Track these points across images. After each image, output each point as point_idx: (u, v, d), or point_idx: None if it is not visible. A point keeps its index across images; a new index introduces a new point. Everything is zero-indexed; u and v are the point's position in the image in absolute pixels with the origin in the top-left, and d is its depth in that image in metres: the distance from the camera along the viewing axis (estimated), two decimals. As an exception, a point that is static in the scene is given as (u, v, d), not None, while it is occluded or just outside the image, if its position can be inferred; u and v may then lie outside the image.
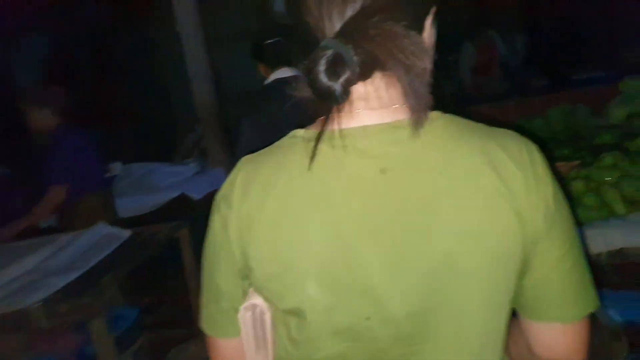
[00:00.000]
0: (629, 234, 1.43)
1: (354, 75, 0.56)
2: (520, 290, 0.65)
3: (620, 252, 1.42)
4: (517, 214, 0.60)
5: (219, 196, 0.67)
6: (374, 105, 0.62)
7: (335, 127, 0.60)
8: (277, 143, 0.67)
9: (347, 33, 0.56)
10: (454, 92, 4.29)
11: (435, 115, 0.63)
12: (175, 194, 3.36)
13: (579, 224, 1.37)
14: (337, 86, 0.56)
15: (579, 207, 1.54)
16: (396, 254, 0.60)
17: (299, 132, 0.65)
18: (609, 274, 1.42)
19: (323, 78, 0.55)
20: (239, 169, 0.67)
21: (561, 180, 0.66)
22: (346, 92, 0.57)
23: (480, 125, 0.65)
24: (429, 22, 0.64)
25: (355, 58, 0.55)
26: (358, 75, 0.56)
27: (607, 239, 1.42)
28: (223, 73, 4.13)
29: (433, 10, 0.64)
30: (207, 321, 0.72)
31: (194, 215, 2.62)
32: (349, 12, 0.59)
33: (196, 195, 3.36)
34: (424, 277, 0.60)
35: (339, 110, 0.59)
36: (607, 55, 4.37)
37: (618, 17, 4.45)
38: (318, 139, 0.60)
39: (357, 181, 0.60)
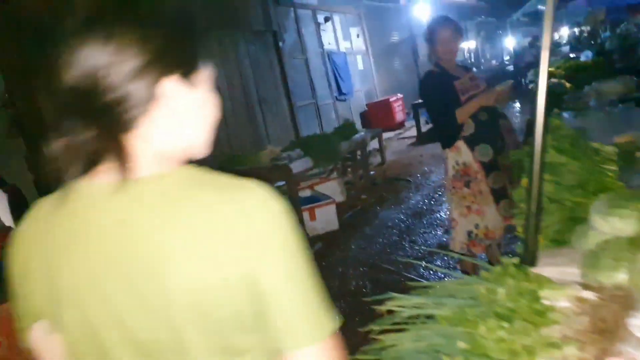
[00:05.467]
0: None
1: (77, 142, 0.65)
2: (263, 321, 0.70)
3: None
4: (232, 259, 0.65)
5: (14, 231, 0.76)
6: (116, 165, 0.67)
7: (90, 181, 0.69)
8: (61, 189, 0.71)
9: (67, 103, 0.65)
10: None
11: (174, 171, 0.70)
12: None
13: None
14: (56, 150, 0.66)
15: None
16: (134, 290, 0.67)
17: (72, 183, 0.69)
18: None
19: (48, 146, 0.65)
20: (29, 212, 0.76)
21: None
22: (70, 157, 0.67)
23: (216, 179, 0.70)
24: (168, 87, 0.67)
25: (75, 127, 0.65)
26: (89, 141, 0.65)
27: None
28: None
29: (174, 73, 0.67)
30: (20, 336, 0.79)
31: None
32: (72, 75, 0.64)
33: None
34: (157, 308, 0.67)
35: (91, 165, 0.68)
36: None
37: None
38: (69, 193, 0.69)
39: (102, 229, 0.68)
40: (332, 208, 4.49)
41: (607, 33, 12.05)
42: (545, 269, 1.27)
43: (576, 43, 12.41)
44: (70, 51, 0.64)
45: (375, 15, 10.72)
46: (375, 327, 1.08)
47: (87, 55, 0.63)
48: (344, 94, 9.25)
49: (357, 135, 5.77)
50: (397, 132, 9.89)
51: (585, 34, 13.35)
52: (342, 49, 9.66)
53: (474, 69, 2.83)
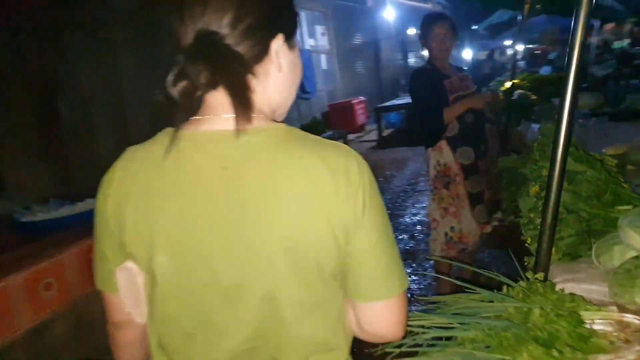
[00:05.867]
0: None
1: (193, 86, 0.69)
2: (343, 274, 0.77)
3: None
4: (324, 213, 0.71)
5: (104, 177, 0.79)
6: (222, 113, 0.73)
7: (194, 127, 0.74)
8: (155, 136, 0.77)
9: (193, 51, 0.69)
10: None
11: (273, 125, 0.75)
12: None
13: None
14: (175, 92, 0.68)
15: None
16: (230, 234, 0.72)
17: (170, 129, 0.74)
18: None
19: (168, 86, 0.69)
20: (122, 156, 0.79)
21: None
22: (186, 97, 0.69)
23: (311, 137, 0.76)
24: (277, 43, 0.75)
25: (195, 73, 0.68)
26: (200, 87, 0.69)
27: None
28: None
29: (280, 33, 0.76)
30: (98, 279, 0.84)
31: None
32: (197, 28, 0.71)
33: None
34: (249, 253, 0.72)
35: (192, 115, 0.75)
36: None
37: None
38: (172, 137, 0.72)
39: (203, 175, 0.72)
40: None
41: (557, 54, 12.57)
42: (565, 285, 1.16)
43: (532, 59, 12.84)
44: (198, 8, 0.71)
45: (342, 15, 10.63)
46: (391, 350, 0.92)
47: (213, 12, 0.70)
48: (307, 93, 9.08)
49: (324, 135, 5.62)
50: (358, 134, 9.84)
51: (539, 51, 13.87)
52: (307, 46, 9.51)
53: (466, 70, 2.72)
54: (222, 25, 0.70)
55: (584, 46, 1.21)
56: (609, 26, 13.69)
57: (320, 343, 0.78)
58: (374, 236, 0.75)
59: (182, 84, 0.68)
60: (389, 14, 11.33)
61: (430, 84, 2.47)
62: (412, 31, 12.76)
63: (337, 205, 0.71)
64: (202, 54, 0.68)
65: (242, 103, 0.70)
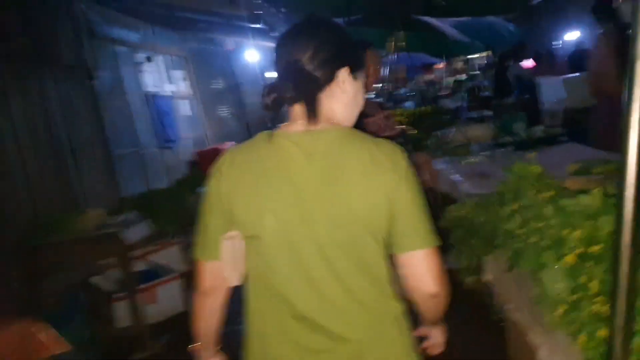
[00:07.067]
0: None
1: (281, 98, 1.10)
2: (391, 232, 1.15)
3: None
4: (380, 182, 1.11)
5: (214, 168, 1.20)
6: (304, 120, 1.14)
7: (285, 129, 1.17)
8: (253, 138, 1.20)
9: (282, 74, 1.12)
10: None
11: (341, 126, 1.19)
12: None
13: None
14: (268, 101, 1.09)
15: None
16: (317, 200, 1.10)
17: (266, 132, 1.17)
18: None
19: (264, 97, 1.09)
20: (227, 152, 1.21)
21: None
22: (276, 106, 1.10)
23: (367, 135, 1.19)
24: (343, 73, 1.18)
25: (283, 89, 1.09)
26: (287, 99, 1.12)
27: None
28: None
29: (346, 66, 1.18)
30: (199, 249, 1.21)
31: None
32: (287, 59, 1.13)
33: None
34: (336, 217, 1.10)
35: (286, 120, 1.18)
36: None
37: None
38: (271, 135, 1.15)
39: (295, 160, 1.12)
40: (176, 284, 3.58)
41: (406, 90, 13.58)
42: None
43: (387, 95, 13.66)
44: (289, 46, 1.15)
45: (202, 59, 10.11)
46: None
47: (299, 49, 1.13)
48: (171, 141, 8.32)
49: (200, 189, 4.98)
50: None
51: (390, 89, 14.84)
52: (168, 92, 8.78)
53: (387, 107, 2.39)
54: (305, 57, 1.12)
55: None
56: (441, 64, 15.18)
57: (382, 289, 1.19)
58: (409, 195, 1.13)
59: (273, 95, 1.09)
60: (250, 57, 11.12)
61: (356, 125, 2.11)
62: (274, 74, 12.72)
63: (388, 176, 1.11)
64: (289, 76, 1.11)
65: (311, 111, 1.12)
